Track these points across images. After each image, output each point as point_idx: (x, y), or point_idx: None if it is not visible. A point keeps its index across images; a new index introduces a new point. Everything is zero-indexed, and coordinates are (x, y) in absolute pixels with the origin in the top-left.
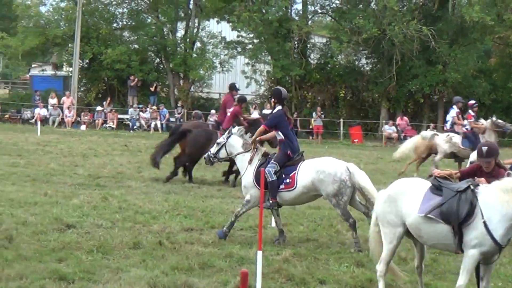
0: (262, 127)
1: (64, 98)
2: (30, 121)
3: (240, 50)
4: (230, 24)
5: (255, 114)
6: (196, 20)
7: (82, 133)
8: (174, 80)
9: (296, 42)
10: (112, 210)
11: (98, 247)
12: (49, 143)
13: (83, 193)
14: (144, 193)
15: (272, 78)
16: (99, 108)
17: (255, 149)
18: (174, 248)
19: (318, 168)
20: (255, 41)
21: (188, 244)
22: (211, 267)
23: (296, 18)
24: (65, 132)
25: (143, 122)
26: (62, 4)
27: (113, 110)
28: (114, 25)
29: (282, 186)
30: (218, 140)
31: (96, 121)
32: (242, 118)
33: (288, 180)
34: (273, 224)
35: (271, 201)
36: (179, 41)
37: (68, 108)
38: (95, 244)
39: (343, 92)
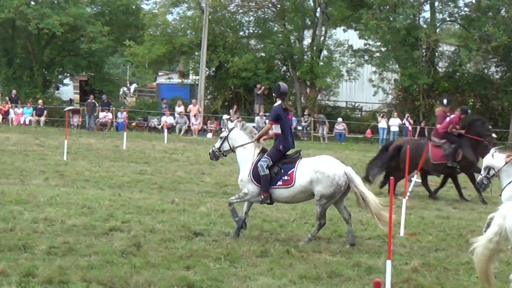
0: (268, 124)
1: (190, 106)
2: (157, 128)
3: (367, 59)
4: (357, 32)
5: (382, 123)
6: (323, 28)
7: (208, 141)
8: (300, 88)
9: (424, 50)
10: None
11: (225, 255)
12: (176, 151)
13: (210, 201)
14: None
15: (400, 87)
16: (225, 116)
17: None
18: (302, 256)
19: (318, 169)
20: (383, 49)
21: (315, 253)
22: (339, 276)
23: (424, 26)
24: (191, 140)
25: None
26: (189, 13)
27: (240, 118)
28: (241, 33)
29: (279, 183)
30: (221, 134)
31: (223, 129)
32: (454, 129)
33: (286, 177)
34: None
35: (263, 196)
36: (305, 49)
37: (195, 116)
38: (223, 252)
39: (472, 100)
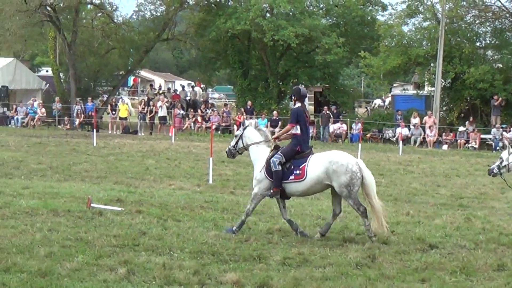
0: (288, 125)
1: (426, 118)
2: (391, 140)
3: None
4: None
5: None
6: None
7: (443, 152)
8: None
9: None
10: (475, 231)
11: (461, 268)
12: (411, 162)
13: (446, 214)
14: (508, 214)
15: None
16: (461, 128)
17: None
18: None
19: (331, 159)
20: None
21: None
22: None
23: None
24: (426, 152)
25: (506, 142)
26: (425, 24)
27: (476, 130)
28: (477, 44)
29: (292, 177)
30: (236, 133)
31: (458, 141)
32: None
33: (298, 172)
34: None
35: (272, 190)
36: None
37: (430, 127)
38: (458, 265)
39: None
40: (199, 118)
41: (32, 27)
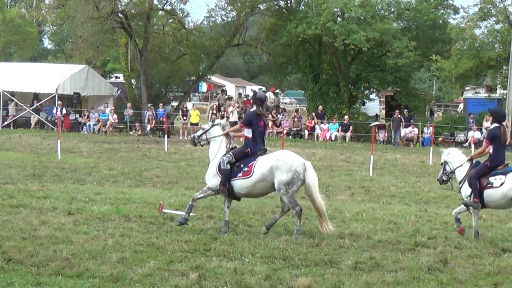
0: (238, 125)
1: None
2: (463, 144)
3: None
4: None
5: None
6: None
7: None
8: None
9: None
10: None
11: None
12: None
13: None
14: None
15: None
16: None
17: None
18: None
19: (277, 157)
20: None
21: None
22: None
23: None
24: None
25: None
26: (497, 26)
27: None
28: None
29: (240, 174)
30: (203, 126)
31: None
32: None
33: (246, 169)
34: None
35: (219, 187)
36: None
37: None
38: None
39: None
40: (270, 123)
41: (104, 34)
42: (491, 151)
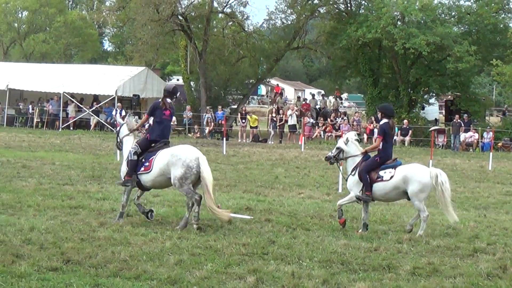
0: (145, 117)
1: None
2: None
3: None
4: None
5: None
6: None
7: None
8: None
9: None
10: None
11: None
12: None
13: None
14: None
15: None
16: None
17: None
18: None
19: (173, 153)
20: None
21: None
22: None
23: None
24: None
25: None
26: None
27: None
28: None
29: (142, 169)
30: (119, 120)
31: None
32: None
33: (147, 164)
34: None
35: (124, 178)
36: None
37: None
38: None
39: None
40: (328, 127)
41: (163, 36)
42: (380, 146)
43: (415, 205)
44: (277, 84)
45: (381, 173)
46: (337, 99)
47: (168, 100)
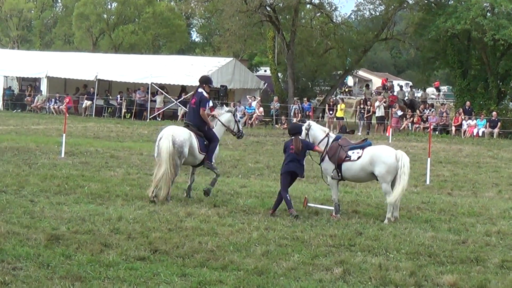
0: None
1: None
2: None
3: None
4: None
5: None
6: None
7: None
8: None
9: None
10: None
11: None
12: None
13: None
14: None
15: None
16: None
17: None
18: None
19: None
20: None
21: None
22: None
23: None
24: None
25: None
26: None
27: None
28: None
29: None
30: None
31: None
32: None
33: None
34: None
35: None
36: None
37: None
38: None
39: None
40: (416, 118)
41: (251, 27)
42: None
43: (383, 188)
44: (387, 78)
45: (350, 152)
46: (439, 91)
47: (199, 89)
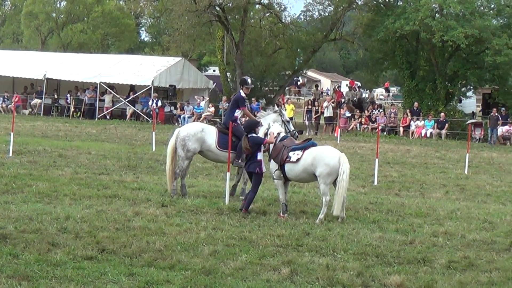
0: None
1: None
2: None
3: None
4: None
5: None
6: None
7: None
8: None
9: None
10: None
11: None
12: None
13: None
14: None
15: None
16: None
17: None
18: None
19: None
20: None
21: None
22: None
23: None
24: None
25: None
26: None
27: None
28: None
29: None
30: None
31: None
32: None
33: None
34: None
35: None
36: None
37: None
38: None
39: None
40: (364, 119)
41: (200, 27)
42: None
43: (321, 188)
44: (352, 79)
45: (290, 153)
46: (388, 92)
47: (240, 91)
